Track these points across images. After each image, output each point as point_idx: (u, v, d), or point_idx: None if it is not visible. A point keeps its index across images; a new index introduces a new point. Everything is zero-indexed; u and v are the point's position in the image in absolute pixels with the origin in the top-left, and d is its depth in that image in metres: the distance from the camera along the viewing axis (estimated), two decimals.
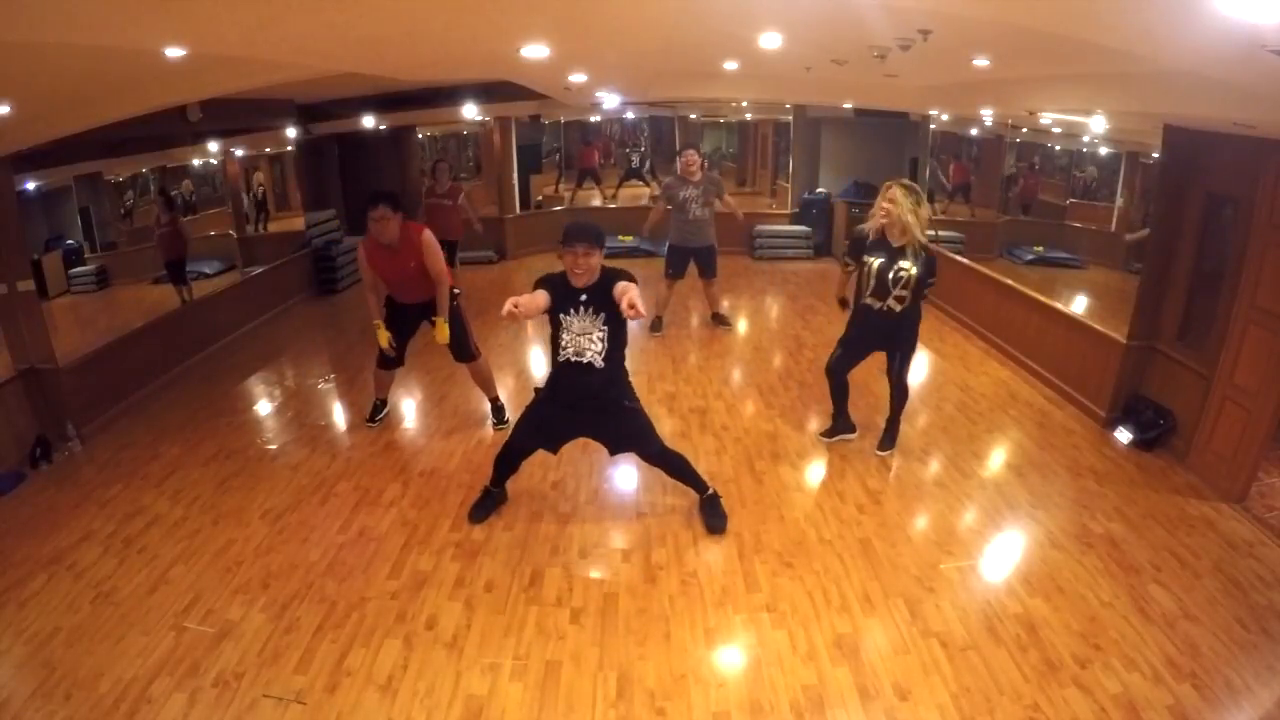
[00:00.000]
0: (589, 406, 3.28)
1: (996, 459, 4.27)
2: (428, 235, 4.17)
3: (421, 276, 4.20)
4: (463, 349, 4.43)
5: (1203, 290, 4.13)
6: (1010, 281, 5.99)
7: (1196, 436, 4.01)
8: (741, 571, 3.21)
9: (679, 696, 2.54)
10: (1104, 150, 6.81)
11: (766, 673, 2.64)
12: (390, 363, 4.51)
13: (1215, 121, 3.55)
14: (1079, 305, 5.99)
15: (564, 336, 3.17)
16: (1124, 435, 4.39)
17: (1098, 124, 5.64)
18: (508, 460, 3.55)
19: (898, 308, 3.79)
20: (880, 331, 3.94)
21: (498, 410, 4.68)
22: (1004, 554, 3.37)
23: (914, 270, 3.71)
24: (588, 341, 3.15)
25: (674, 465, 3.54)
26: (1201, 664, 2.65)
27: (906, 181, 3.78)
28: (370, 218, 4.02)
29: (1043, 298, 5.50)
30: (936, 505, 3.75)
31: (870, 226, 3.83)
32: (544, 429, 3.41)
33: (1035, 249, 7.20)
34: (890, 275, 3.74)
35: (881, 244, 3.79)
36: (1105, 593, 3.05)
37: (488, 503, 3.64)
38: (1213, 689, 2.54)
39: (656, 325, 6.44)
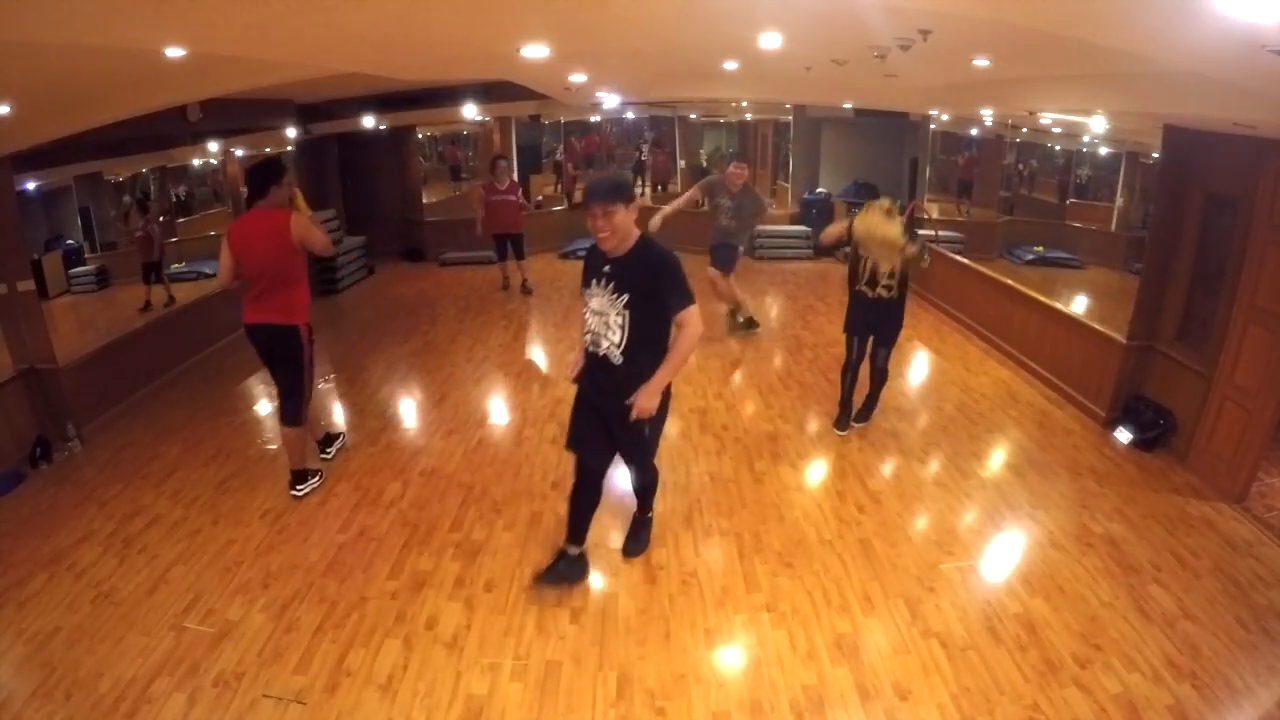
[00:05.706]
0: (609, 408, 2.69)
1: (996, 459, 4.27)
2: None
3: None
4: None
5: (1202, 290, 4.13)
6: (1010, 281, 5.99)
7: (1196, 436, 4.01)
8: (741, 571, 3.20)
9: (679, 696, 2.54)
10: (1104, 150, 6.83)
11: (766, 673, 2.64)
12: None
13: (1215, 122, 3.55)
14: (1079, 305, 6.01)
15: (585, 315, 2.68)
16: (1124, 435, 4.39)
17: (1098, 124, 5.65)
18: (579, 486, 2.95)
19: (886, 295, 4.21)
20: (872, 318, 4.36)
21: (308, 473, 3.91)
22: (1004, 554, 3.37)
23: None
24: (602, 326, 2.60)
25: (646, 481, 3.14)
26: (1201, 664, 2.65)
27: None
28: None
29: (1043, 298, 5.51)
30: (936, 505, 3.75)
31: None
32: (579, 433, 2.86)
33: (1035, 249, 7.22)
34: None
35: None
36: (1105, 593, 3.05)
37: (567, 570, 3.00)
38: (1213, 689, 2.54)
39: (749, 324, 6.36)
